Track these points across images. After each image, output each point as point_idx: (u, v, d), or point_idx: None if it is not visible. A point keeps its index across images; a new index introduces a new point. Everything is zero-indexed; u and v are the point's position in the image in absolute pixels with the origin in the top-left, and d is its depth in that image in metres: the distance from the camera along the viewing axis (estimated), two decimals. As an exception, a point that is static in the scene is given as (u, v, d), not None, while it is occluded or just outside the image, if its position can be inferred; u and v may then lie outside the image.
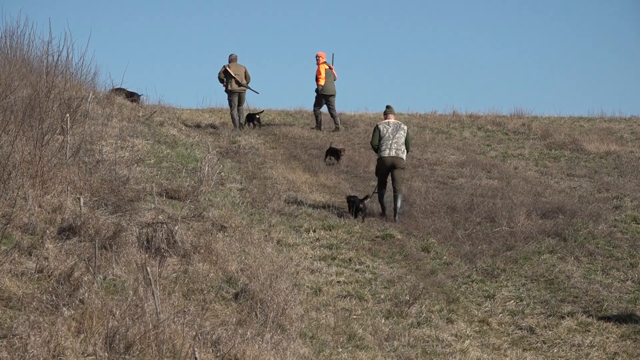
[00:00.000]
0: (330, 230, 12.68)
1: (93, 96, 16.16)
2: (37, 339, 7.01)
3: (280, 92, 48.91)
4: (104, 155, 12.91)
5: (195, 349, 7.25)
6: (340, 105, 23.00)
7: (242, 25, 58.66)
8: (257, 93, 20.87)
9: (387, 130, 13.96)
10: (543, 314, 10.20)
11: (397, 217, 13.70)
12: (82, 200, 10.05)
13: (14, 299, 7.79)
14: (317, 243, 12.08)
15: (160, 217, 10.64)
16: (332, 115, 21.10)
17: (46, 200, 10.20)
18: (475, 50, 56.79)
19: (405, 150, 14.01)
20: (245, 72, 20.38)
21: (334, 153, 17.54)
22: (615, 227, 13.73)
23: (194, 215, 11.29)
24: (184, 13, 59.40)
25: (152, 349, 7.28)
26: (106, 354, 7.10)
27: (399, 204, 13.76)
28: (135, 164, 13.27)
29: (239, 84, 20.20)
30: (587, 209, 14.37)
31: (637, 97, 47.92)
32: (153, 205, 11.25)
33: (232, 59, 20.42)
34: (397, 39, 58.02)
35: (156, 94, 25.18)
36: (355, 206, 13.57)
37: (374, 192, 14.18)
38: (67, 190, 10.59)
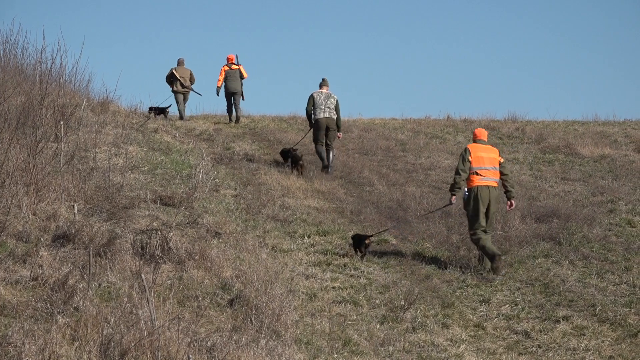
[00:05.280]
0: (324, 235, 12.67)
1: (87, 103, 16.14)
2: (32, 346, 7.00)
3: (274, 98, 48.95)
4: (98, 162, 12.90)
5: (190, 356, 7.24)
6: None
7: (235, 33, 58.69)
8: (200, 95, 23.78)
9: (320, 98, 16.95)
10: (538, 318, 10.19)
11: (329, 170, 16.86)
12: (76, 207, 10.05)
13: (8, 307, 7.78)
14: (312, 249, 12.07)
15: (154, 223, 10.63)
16: (235, 109, 22.70)
17: (40, 207, 10.19)
18: (469, 55, 56.94)
19: (337, 115, 17.02)
20: (191, 75, 22.80)
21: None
22: (609, 230, 13.76)
23: (189, 222, 11.28)
24: (177, 20, 59.43)
25: (147, 356, 7.27)
26: (101, 361, 7.09)
27: (331, 157, 17.03)
28: (130, 171, 13.26)
29: (182, 85, 22.62)
30: (582, 212, 14.39)
31: (631, 101, 48.08)
32: (147, 212, 11.24)
33: (179, 63, 22.68)
34: (391, 45, 58.13)
35: (149, 101, 25.34)
36: (289, 156, 17.03)
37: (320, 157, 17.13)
38: (61, 197, 10.59)
